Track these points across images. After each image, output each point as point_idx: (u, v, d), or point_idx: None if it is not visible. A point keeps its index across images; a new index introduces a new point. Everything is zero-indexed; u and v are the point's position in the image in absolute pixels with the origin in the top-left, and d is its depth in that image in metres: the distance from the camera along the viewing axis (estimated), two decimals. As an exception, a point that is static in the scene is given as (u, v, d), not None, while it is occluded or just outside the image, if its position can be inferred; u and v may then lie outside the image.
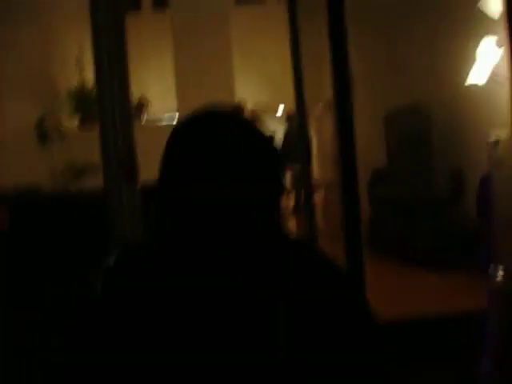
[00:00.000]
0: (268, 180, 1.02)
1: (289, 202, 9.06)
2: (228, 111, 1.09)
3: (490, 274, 1.07)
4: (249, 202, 0.99)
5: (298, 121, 5.73)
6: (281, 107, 10.86)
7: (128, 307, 0.99)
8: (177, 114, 7.51)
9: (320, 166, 8.38)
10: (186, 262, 0.99)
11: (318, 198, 8.31)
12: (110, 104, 2.81)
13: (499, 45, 4.24)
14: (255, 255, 0.99)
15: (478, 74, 4.62)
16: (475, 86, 4.81)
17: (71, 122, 7.31)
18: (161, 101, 8.36)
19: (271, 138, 1.08)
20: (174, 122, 7.61)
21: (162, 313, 0.96)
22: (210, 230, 0.98)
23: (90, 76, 6.10)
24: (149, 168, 3.64)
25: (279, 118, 10.71)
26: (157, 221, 1.05)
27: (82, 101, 7.18)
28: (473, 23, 5.00)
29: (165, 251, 1.02)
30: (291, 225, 8.26)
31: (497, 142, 3.78)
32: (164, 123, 7.92)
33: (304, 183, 6.14)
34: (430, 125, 5.91)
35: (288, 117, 8.70)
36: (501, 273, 1.06)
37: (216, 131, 1.03)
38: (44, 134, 6.51)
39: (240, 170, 0.99)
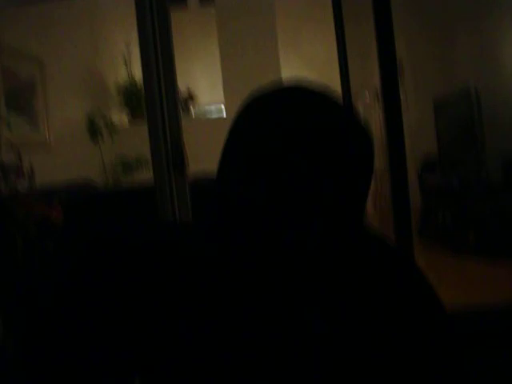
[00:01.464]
0: (366, 170, 0.88)
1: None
2: (318, 86, 0.90)
3: None
4: (344, 196, 0.85)
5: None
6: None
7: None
8: (223, 105, 7.54)
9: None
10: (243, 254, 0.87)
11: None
12: (158, 98, 2.85)
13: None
14: (336, 251, 0.89)
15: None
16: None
17: (121, 118, 7.42)
18: (208, 94, 8.40)
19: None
20: (222, 114, 7.63)
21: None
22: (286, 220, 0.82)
23: (138, 72, 6.19)
24: (197, 161, 3.69)
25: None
26: (214, 219, 0.91)
27: (130, 96, 7.27)
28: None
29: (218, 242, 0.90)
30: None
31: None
32: (212, 116, 7.97)
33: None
34: (481, 110, 5.78)
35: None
36: None
37: (306, 108, 0.84)
38: (95, 129, 6.63)
39: (336, 158, 0.83)
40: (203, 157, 4.12)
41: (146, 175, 5.14)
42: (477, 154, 5.84)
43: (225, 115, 7.33)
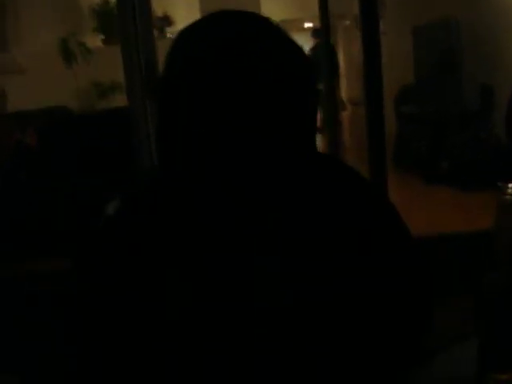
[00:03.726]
0: (304, 85, 0.88)
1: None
2: (251, 12, 0.91)
3: (501, 190, 1.07)
4: (279, 109, 0.85)
5: (323, 37, 5.60)
6: (307, 25, 10.61)
7: (142, 247, 0.87)
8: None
9: (348, 85, 8.24)
10: (204, 185, 0.87)
11: (346, 116, 8.22)
12: (132, 20, 2.78)
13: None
14: (286, 173, 0.88)
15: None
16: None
17: (95, 41, 7.25)
18: (185, 20, 8.22)
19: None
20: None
21: (181, 252, 0.86)
22: (230, 147, 0.84)
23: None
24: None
25: (306, 35, 10.50)
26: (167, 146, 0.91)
27: (104, 19, 7.09)
28: None
29: (179, 177, 0.90)
30: (317, 143, 8.23)
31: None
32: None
33: (330, 100, 6.07)
34: (460, 39, 5.74)
35: (314, 32, 8.42)
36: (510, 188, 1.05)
37: (239, 26, 0.86)
38: (69, 53, 6.48)
39: (271, 70, 0.83)
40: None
41: (120, 100, 5.08)
42: (454, 83, 5.84)
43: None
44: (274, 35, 0.88)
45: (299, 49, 0.90)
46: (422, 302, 0.96)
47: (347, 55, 8.38)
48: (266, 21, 0.90)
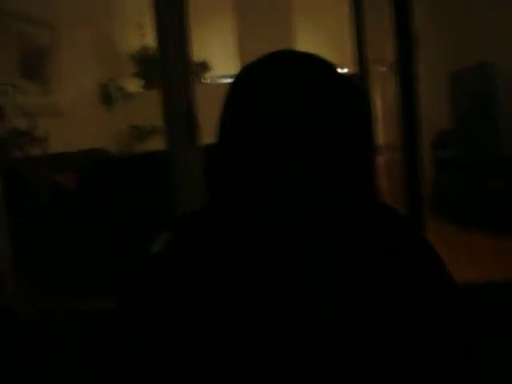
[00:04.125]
0: (361, 138, 0.87)
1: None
2: (310, 53, 0.89)
3: None
4: (333, 163, 0.83)
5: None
6: (343, 71, 10.70)
7: (184, 291, 0.87)
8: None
9: (384, 129, 8.23)
10: (248, 234, 0.86)
11: (382, 161, 8.19)
12: (172, 65, 2.84)
13: None
14: (334, 220, 0.86)
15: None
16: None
17: (134, 86, 7.41)
18: (223, 64, 8.36)
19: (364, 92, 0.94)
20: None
21: (223, 299, 0.85)
22: (282, 198, 0.81)
23: (151, 39, 6.16)
24: (211, 129, 3.69)
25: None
26: (214, 186, 0.91)
27: (144, 64, 7.26)
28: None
29: (224, 223, 0.88)
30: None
31: None
32: (226, 81, 7.92)
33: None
34: (496, 84, 5.72)
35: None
36: None
37: (296, 73, 0.83)
38: (109, 97, 6.63)
39: (328, 124, 0.81)
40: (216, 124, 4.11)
41: (158, 143, 5.15)
42: (492, 127, 5.80)
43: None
44: (337, 79, 0.87)
45: (362, 96, 0.88)
46: (466, 344, 0.94)
47: (383, 101, 8.39)
48: (329, 64, 0.89)
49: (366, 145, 0.88)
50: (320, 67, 0.87)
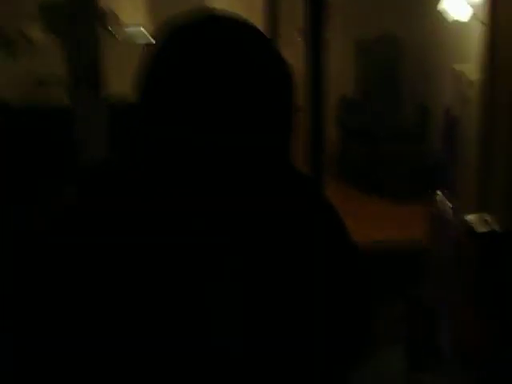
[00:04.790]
0: (284, 101, 0.91)
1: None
2: (231, 16, 0.93)
3: (433, 200, 1.13)
4: (257, 123, 0.87)
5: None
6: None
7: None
8: (142, 28, 7.34)
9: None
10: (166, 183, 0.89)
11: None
12: (78, 13, 2.76)
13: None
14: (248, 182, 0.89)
15: (456, 10, 4.58)
16: (449, 19, 4.79)
17: (36, 33, 7.09)
18: (130, 19, 8.13)
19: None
20: (147, 39, 7.41)
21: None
22: (200, 159, 0.85)
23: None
24: (116, 81, 3.62)
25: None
26: (134, 142, 0.93)
27: (49, 12, 6.95)
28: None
29: (140, 174, 0.91)
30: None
31: (467, 81, 3.82)
32: (137, 41, 7.71)
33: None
34: (400, 55, 5.91)
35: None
36: (443, 198, 1.12)
37: (226, 41, 0.87)
38: (8, 40, 6.32)
39: (251, 88, 0.86)
40: (124, 75, 4.03)
41: (60, 93, 4.99)
42: (393, 97, 6.00)
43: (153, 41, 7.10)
44: (262, 44, 0.91)
45: (283, 61, 0.92)
46: (365, 303, 1.00)
47: (290, 64, 8.47)
48: (257, 31, 0.92)
49: (288, 108, 0.92)
50: (243, 30, 0.91)
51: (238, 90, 0.85)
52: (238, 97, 0.85)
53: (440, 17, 4.90)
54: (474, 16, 4.31)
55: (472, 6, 4.35)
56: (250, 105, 0.86)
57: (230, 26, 0.90)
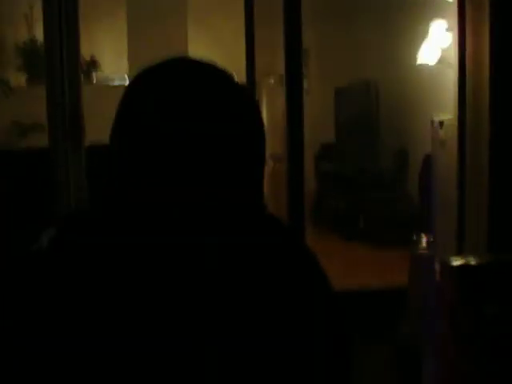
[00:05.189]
0: (254, 148, 0.90)
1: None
2: (207, 62, 0.91)
3: (415, 243, 1.14)
4: (228, 172, 0.86)
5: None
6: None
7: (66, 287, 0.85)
8: (126, 75, 7.39)
9: (270, 140, 8.38)
10: (134, 233, 0.86)
11: (267, 170, 8.33)
12: (59, 61, 2.77)
13: (449, 29, 4.32)
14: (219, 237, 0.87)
15: (427, 55, 4.69)
16: (424, 66, 4.90)
17: (18, 80, 7.11)
18: (112, 64, 8.20)
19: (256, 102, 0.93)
20: (126, 83, 7.46)
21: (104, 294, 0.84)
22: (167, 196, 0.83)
23: (39, 33, 5.95)
24: (97, 128, 3.62)
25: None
26: (105, 186, 0.92)
27: (30, 57, 6.98)
28: (425, 5, 5.08)
29: (111, 218, 0.88)
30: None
31: (441, 123, 3.88)
32: (115, 83, 7.75)
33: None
34: (378, 102, 6.00)
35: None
36: (424, 241, 1.13)
37: (193, 81, 0.86)
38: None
39: (223, 131, 0.84)
40: (104, 124, 4.05)
41: (41, 141, 4.99)
42: (372, 144, 6.07)
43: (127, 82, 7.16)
44: (233, 89, 0.89)
45: (257, 107, 0.92)
46: (345, 352, 0.98)
47: (270, 112, 8.56)
48: (226, 73, 0.91)
49: (257, 154, 0.91)
50: (217, 76, 0.90)
51: (204, 137, 0.83)
52: (203, 143, 0.83)
53: (415, 64, 5.00)
54: (443, 59, 4.43)
55: (442, 50, 4.48)
56: (217, 151, 0.84)
57: (200, 70, 0.89)
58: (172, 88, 0.85)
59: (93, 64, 7.73)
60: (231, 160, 0.86)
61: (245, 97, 0.91)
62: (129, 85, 0.90)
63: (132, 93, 0.89)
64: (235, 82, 0.91)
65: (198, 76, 0.88)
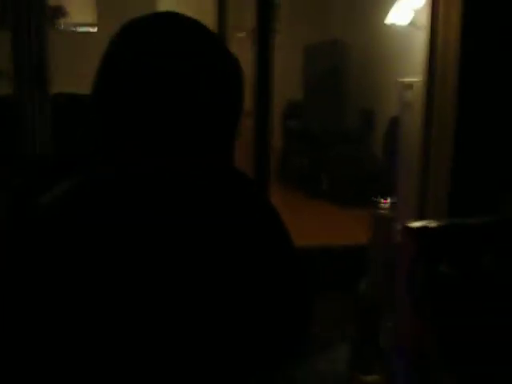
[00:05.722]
0: (233, 105, 0.92)
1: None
2: (192, 19, 0.92)
3: (377, 203, 1.18)
4: (209, 125, 0.87)
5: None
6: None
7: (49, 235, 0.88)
8: (94, 28, 7.22)
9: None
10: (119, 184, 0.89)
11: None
12: (25, 7, 2.70)
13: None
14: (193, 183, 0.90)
15: (398, 16, 4.69)
16: (394, 27, 4.89)
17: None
18: (78, 13, 7.98)
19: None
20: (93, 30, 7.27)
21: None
22: (155, 147, 0.85)
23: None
24: (61, 76, 3.56)
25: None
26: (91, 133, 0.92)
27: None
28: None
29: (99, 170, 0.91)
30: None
31: (409, 85, 3.90)
32: (81, 29, 7.54)
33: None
34: (347, 61, 6.00)
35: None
36: (387, 202, 1.17)
37: (179, 36, 0.86)
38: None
39: (205, 89, 0.85)
40: (70, 71, 3.97)
41: (5, 88, 4.88)
42: (338, 102, 6.08)
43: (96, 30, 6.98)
44: (215, 48, 0.90)
45: (238, 65, 0.93)
46: (303, 304, 1.02)
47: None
48: (208, 33, 0.91)
49: (237, 119, 0.93)
50: (205, 36, 0.90)
51: (188, 87, 0.84)
52: (187, 94, 0.84)
53: (386, 25, 5.00)
54: (414, 20, 4.45)
55: (414, 11, 4.49)
56: (199, 103, 0.85)
57: (182, 23, 0.89)
58: (156, 42, 0.85)
59: (59, 10, 7.51)
60: (214, 123, 0.87)
61: (231, 60, 0.91)
62: (112, 38, 0.89)
63: (115, 46, 0.89)
64: (224, 46, 0.92)
65: (185, 33, 0.88)
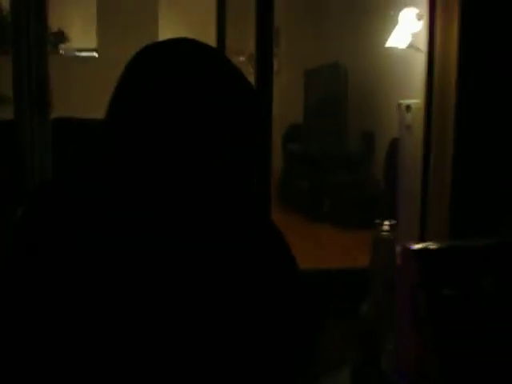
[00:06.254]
0: (251, 137, 0.93)
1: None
2: (211, 47, 0.94)
3: (378, 226, 1.18)
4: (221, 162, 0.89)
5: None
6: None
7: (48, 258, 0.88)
8: (95, 53, 7.29)
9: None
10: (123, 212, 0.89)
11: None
12: (25, 32, 2.71)
13: (419, 17, 4.35)
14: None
15: (397, 39, 4.72)
16: (393, 50, 4.92)
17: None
18: (80, 38, 8.07)
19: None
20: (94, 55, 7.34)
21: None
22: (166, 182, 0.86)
23: (6, 2, 5.81)
24: (64, 100, 3.58)
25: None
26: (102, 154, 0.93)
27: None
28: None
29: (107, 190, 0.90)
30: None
31: (408, 107, 3.92)
32: (82, 54, 7.61)
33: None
34: (347, 84, 6.02)
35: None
36: (387, 225, 1.17)
37: (200, 63, 0.87)
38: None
39: (223, 115, 0.86)
40: (71, 96, 4.00)
41: (6, 113, 4.91)
42: (339, 125, 6.10)
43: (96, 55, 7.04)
44: (232, 74, 0.92)
45: (257, 94, 0.97)
46: (310, 314, 1.01)
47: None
48: (224, 59, 0.93)
49: (255, 141, 0.94)
50: (223, 63, 0.92)
51: (209, 115, 0.85)
52: (207, 122, 0.85)
53: (385, 48, 5.03)
54: (413, 44, 4.48)
55: (412, 35, 4.52)
56: (219, 128, 0.86)
57: (202, 50, 0.90)
58: (173, 67, 0.86)
59: (60, 35, 7.59)
60: (229, 147, 0.89)
61: (251, 92, 0.93)
62: (131, 63, 0.90)
63: (132, 69, 0.90)
64: (238, 70, 0.93)
65: (201, 58, 0.89)
